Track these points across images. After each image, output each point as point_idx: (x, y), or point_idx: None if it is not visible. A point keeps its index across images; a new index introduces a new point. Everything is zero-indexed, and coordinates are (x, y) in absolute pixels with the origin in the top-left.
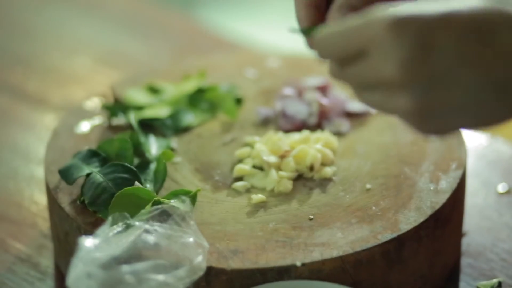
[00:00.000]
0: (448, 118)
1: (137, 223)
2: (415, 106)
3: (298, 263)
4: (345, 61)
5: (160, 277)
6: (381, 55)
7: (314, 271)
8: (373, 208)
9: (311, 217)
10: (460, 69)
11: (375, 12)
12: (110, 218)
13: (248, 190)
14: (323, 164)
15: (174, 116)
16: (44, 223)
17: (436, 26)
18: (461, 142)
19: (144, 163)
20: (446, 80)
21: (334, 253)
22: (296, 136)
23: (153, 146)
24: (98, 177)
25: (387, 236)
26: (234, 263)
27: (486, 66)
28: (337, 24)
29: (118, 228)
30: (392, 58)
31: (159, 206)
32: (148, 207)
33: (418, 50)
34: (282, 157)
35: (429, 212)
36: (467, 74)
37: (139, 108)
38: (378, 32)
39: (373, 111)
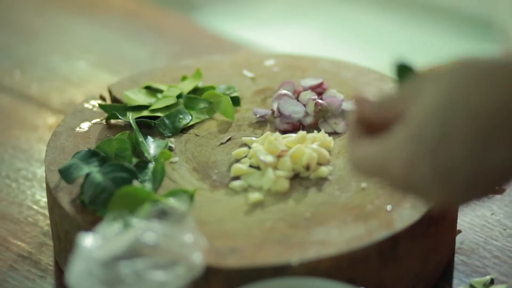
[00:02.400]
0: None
1: (136, 221)
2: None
3: (295, 261)
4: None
5: (159, 275)
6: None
7: (310, 269)
8: (369, 206)
9: (308, 215)
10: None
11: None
12: (109, 216)
13: (245, 190)
14: (319, 164)
15: (171, 116)
16: (44, 222)
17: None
18: None
19: (143, 163)
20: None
21: (330, 251)
22: (292, 136)
23: (151, 146)
24: (98, 176)
25: (382, 234)
26: (232, 261)
27: None
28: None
29: (117, 226)
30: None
31: (158, 205)
32: (147, 206)
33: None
34: (279, 156)
35: (423, 210)
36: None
37: (137, 108)
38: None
39: None
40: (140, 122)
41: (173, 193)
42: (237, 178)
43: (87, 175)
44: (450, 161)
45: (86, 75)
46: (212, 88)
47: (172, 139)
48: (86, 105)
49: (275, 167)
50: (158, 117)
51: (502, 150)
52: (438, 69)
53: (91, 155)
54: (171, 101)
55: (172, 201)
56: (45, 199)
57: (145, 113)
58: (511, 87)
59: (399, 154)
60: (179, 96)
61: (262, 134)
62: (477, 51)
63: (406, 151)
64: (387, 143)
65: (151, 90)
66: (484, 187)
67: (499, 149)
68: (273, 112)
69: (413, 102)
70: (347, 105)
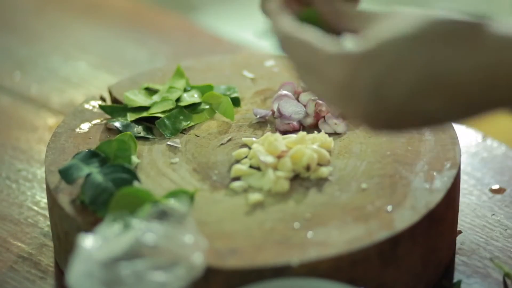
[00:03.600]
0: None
1: (136, 222)
2: (363, 112)
3: (295, 262)
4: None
5: (159, 276)
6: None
7: (310, 269)
8: (369, 207)
9: (308, 216)
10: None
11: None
12: (109, 217)
13: (246, 190)
14: (320, 164)
15: (172, 117)
16: (45, 223)
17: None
18: (455, 142)
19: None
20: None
21: (330, 252)
22: (292, 137)
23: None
24: (98, 177)
25: (383, 235)
26: (232, 262)
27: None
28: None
29: (117, 227)
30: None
31: (158, 206)
32: (147, 207)
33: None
34: (279, 157)
35: (423, 211)
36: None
37: (137, 109)
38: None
39: None
40: (141, 123)
41: (173, 194)
42: (237, 178)
43: (88, 175)
44: (391, 95)
45: (86, 76)
46: (210, 86)
47: (177, 140)
48: (86, 106)
49: (275, 168)
50: (158, 117)
51: (435, 106)
52: (416, 12)
53: (92, 156)
54: (170, 105)
55: (172, 202)
56: (45, 200)
57: (146, 113)
58: (473, 42)
59: (346, 62)
60: (177, 100)
61: (262, 135)
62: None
63: (355, 63)
64: (336, 45)
65: (151, 91)
66: (405, 125)
67: (433, 103)
68: (273, 113)
69: (379, 23)
70: None
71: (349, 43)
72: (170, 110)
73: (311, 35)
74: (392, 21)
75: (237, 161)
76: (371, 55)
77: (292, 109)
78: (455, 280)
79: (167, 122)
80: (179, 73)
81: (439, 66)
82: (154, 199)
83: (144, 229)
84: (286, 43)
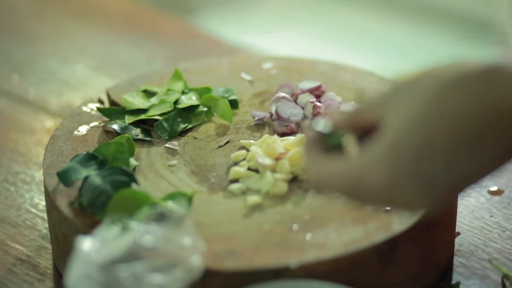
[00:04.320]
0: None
1: (134, 224)
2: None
3: (293, 264)
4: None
5: (157, 278)
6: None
7: (309, 271)
8: (367, 209)
9: (306, 218)
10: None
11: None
12: (107, 219)
13: (244, 192)
14: None
15: (170, 120)
16: (43, 225)
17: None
18: None
19: None
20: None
21: (329, 253)
22: (291, 139)
23: None
24: (96, 179)
25: (381, 236)
26: (230, 264)
27: None
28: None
29: (115, 229)
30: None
31: (156, 208)
32: (145, 209)
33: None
34: (277, 159)
35: (421, 212)
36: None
37: (135, 112)
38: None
39: None
40: (138, 125)
41: (171, 196)
42: (235, 181)
43: (86, 178)
44: (433, 169)
45: (84, 79)
46: (208, 89)
47: (176, 142)
48: (84, 109)
49: (273, 170)
50: (156, 120)
51: (489, 148)
52: (411, 78)
53: (90, 158)
54: (168, 107)
55: (170, 204)
56: (44, 203)
57: (143, 116)
58: (489, 90)
59: (378, 167)
60: (175, 102)
61: (260, 137)
62: (447, 58)
63: (386, 163)
64: (364, 156)
65: (149, 93)
66: (471, 185)
67: (485, 148)
68: (271, 115)
69: (388, 112)
70: (345, 107)
71: (373, 147)
72: (168, 112)
73: (338, 166)
74: (402, 103)
75: (235, 163)
76: (399, 146)
77: (290, 111)
78: (453, 281)
79: (165, 124)
80: (177, 76)
81: (466, 121)
82: (152, 201)
83: (142, 231)
84: (324, 186)
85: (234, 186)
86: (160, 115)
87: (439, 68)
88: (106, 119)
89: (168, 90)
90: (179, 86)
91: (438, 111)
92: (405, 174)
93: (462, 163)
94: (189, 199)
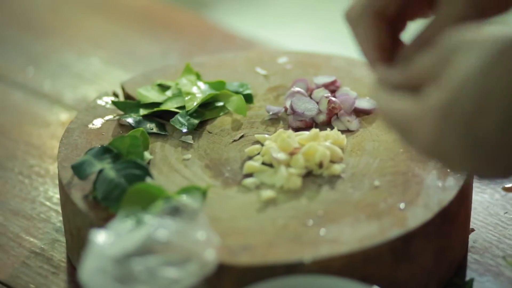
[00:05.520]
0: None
1: (148, 218)
2: (441, 104)
3: (307, 259)
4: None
5: (171, 272)
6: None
7: (323, 267)
8: (382, 204)
9: (320, 213)
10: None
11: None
12: (122, 213)
13: (258, 187)
14: (332, 161)
15: (187, 113)
16: (57, 218)
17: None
18: None
19: None
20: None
21: (343, 249)
22: (305, 134)
23: None
24: (111, 173)
25: (395, 232)
26: (244, 259)
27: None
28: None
29: (130, 223)
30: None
31: (170, 202)
32: (160, 203)
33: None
34: (292, 154)
35: (436, 209)
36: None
37: (150, 105)
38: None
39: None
40: (153, 119)
41: (186, 190)
42: (249, 175)
43: (100, 171)
44: (486, 132)
45: (99, 72)
46: (223, 83)
47: (190, 136)
48: (99, 102)
49: (287, 165)
50: (171, 112)
51: None
52: (477, 34)
53: (104, 151)
54: (183, 101)
55: (184, 198)
56: (58, 196)
57: (159, 110)
58: None
59: (430, 118)
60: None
61: (275, 132)
62: None
63: (437, 117)
64: (419, 104)
65: (164, 87)
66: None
67: None
68: (286, 110)
69: (449, 65)
70: (360, 103)
71: (428, 98)
72: (183, 106)
73: (400, 103)
74: (462, 58)
75: (250, 158)
76: (450, 104)
77: (305, 106)
78: (467, 278)
79: (181, 119)
80: (188, 70)
81: None
82: (167, 195)
83: (156, 225)
84: (385, 117)
85: (248, 181)
86: (176, 108)
87: (499, 28)
88: (120, 112)
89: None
90: (191, 80)
91: (500, 74)
92: (454, 132)
93: None
94: (204, 193)
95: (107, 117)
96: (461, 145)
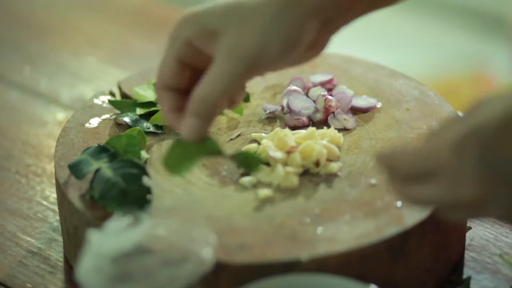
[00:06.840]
0: None
1: (145, 217)
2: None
3: (304, 258)
4: (412, 180)
5: (168, 271)
6: (454, 178)
7: (320, 265)
8: (378, 203)
9: (317, 212)
10: None
11: (440, 134)
12: (118, 212)
13: (255, 186)
14: (329, 160)
15: None
16: (54, 218)
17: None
18: None
19: None
20: None
21: (340, 247)
22: (302, 132)
23: None
24: (107, 172)
25: (392, 230)
26: (241, 258)
27: None
28: (409, 149)
29: (126, 222)
30: (466, 180)
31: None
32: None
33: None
34: (289, 152)
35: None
36: None
37: (146, 104)
38: (445, 156)
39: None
40: (149, 118)
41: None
42: (246, 174)
43: (97, 171)
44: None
45: (95, 71)
46: None
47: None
48: (96, 101)
49: (284, 163)
50: None
51: None
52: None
53: (101, 151)
54: None
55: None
56: (55, 195)
57: (155, 108)
58: None
59: (444, 151)
60: None
61: (271, 130)
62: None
63: (451, 150)
64: (432, 141)
65: None
66: None
67: None
68: (282, 108)
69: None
70: (357, 101)
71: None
72: None
73: (427, 190)
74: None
75: None
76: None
77: (302, 105)
78: (464, 276)
79: None
80: None
81: None
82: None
83: (153, 224)
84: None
85: (245, 179)
86: None
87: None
88: (117, 111)
89: None
90: None
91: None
92: (471, 164)
93: None
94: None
95: (103, 116)
96: (478, 174)
